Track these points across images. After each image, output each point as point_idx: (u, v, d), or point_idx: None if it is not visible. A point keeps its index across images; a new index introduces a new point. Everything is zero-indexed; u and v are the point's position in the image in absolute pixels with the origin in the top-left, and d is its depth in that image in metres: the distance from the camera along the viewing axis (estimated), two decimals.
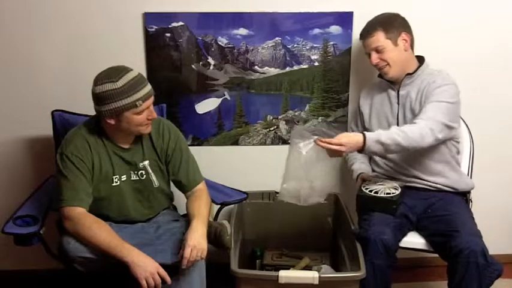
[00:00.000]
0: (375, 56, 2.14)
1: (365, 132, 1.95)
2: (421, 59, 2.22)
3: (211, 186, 2.21)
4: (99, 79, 1.81)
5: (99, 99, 1.80)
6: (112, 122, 1.84)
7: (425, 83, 2.13)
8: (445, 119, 2.02)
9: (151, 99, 1.86)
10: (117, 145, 1.94)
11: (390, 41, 2.12)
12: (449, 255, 1.95)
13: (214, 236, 1.91)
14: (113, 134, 1.92)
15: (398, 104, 2.21)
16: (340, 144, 1.91)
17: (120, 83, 1.77)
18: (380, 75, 2.24)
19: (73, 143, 1.87)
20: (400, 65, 2.15)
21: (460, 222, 2.03)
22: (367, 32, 2.16)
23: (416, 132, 1.96)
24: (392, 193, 2.11)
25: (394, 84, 2.22)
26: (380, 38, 2.12)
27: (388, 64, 2.14)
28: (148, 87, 1.85)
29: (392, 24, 2.13)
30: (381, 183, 2.17)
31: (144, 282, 1.70)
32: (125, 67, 1.83)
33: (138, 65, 2.38)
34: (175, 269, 1.79)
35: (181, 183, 2.04)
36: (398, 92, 2.21)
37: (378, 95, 2.29)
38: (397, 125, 2.17)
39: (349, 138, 1.94)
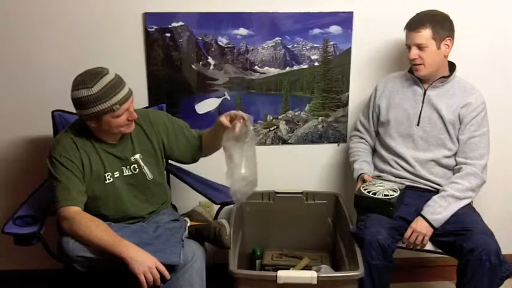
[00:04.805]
0: (415, 52, 2.11)
1: (432, 224, 2.05)
2: (451, 65, 2.21)
3: (211, 186, 2.21)
4: (75, 84, 1.81)
5: (76, 104, 1.82)
6: (93, 124, 1.86)
7: (456, 92, 2.16)
8: (488, 149, 2.16)
9: (130, 100, 1.85)
10: (105, 142, 1.94)
11: (435, 42, 2.09)
12: (461, 254, 1.95)
13: (213, 236, 1.91)
14: (98, 133, 1.92)
15: (423, 102, 2.20)
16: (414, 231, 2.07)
17: (96, 88, 1.77)
18: (410, 71, 2.22)
19: (60, 145, 1.89)
20: (435, 67, 2.14)
21: (470, 221, 2.04)
22: (416, 26, 2.10)
23: (473, 182, 2.11)
24: (391, 195, 2.10)
25: (423, 82, 2.21)
26: (426, 36, 2.08)
27: (423, 64, 2.12)
28: (125, 90, 1.84)
29: (442, 25, 2.10)
30: (380, 184, 2.16)
31: (142, 277, 1.69)
32: (101, 70, 1.82)
33: (138, 65, 2.39)
34: (173, 268, 1.79)
35: (199, 144, 2.10)
36: (425, 91, 2.20)
37: (399, 89, 2.27)
38: (418, 122, 2.18)
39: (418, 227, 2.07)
